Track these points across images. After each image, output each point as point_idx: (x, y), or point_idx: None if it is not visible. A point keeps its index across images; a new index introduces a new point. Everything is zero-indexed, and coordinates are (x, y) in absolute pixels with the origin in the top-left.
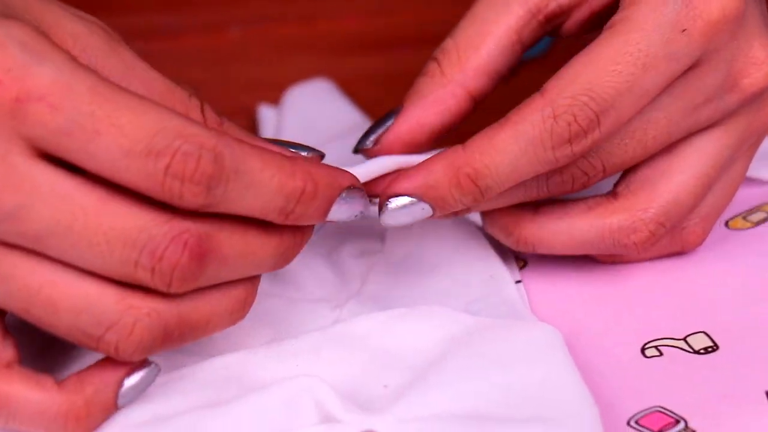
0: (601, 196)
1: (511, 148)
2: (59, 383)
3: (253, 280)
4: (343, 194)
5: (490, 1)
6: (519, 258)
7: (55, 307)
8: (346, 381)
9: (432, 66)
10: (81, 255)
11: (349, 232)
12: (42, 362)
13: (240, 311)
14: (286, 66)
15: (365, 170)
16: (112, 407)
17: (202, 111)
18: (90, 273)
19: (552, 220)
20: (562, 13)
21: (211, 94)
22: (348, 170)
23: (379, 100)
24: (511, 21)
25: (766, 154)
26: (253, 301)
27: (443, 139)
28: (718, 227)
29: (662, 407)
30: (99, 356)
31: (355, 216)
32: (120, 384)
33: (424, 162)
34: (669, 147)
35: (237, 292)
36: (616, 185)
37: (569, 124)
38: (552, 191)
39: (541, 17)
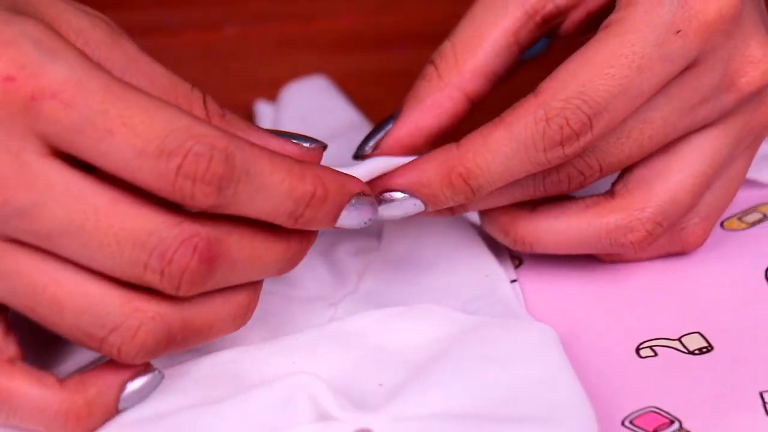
0: (598, 195)
1: (503, 148)
2: (61, 382)
3: (256, 285)
4: (353, 201)
5: (488, 2)
6: (514, 257)
7: (59, 306)
8: (342, 378)
9: (429, 69)
10: (91, 255)
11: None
12: (44, 360)
13: (243, 317)
14: (284, 64)
15: (364, 170)
16: (112, 409)
17: (205, 103)
18: (96, 274)
19: (549, 219)
20: (559, 15)
21: (209, 91)
22: (348, 171)
23: (378, 99)
24: (508, 23)
25: (762, 157)
26: (255, 306)
27: (442, 141)
28: (714, 228)
29: (657, 407)
30: (101, 356)
31: (365, 223)
32: (122, 387)
33: (418, 159)
34: (666, 146)
35: (240, 298)
36: (613, 184)
37: (561, 128)
38: (548, 190)
39: (538, 19)
